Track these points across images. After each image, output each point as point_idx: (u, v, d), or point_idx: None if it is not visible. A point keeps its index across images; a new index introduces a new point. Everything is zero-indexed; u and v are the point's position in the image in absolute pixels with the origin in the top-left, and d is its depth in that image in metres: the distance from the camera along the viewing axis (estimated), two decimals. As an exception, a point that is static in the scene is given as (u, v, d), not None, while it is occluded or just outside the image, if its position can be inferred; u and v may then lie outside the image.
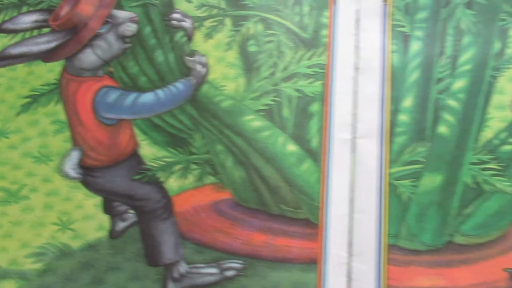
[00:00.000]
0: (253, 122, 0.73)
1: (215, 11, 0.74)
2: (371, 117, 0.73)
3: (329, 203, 0.72)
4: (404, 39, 0.75)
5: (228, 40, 0.75)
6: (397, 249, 0.72)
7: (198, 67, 0.72)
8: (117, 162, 0.71)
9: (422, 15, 0.75)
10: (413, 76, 0.74)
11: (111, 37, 0.72)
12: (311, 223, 0.72)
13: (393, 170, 0.73)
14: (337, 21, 0.74)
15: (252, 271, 0.70)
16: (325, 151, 0.72)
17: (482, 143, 0.73)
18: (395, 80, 0.74)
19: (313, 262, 0.71)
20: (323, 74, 0.73)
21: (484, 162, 0.73)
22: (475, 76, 0.74)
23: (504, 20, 0.74)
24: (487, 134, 0.73)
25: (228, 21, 0.75)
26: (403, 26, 0.75)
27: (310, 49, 0.74)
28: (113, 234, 0.71)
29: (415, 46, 0.75)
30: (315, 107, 0.73)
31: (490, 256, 0.73)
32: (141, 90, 0.72)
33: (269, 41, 0.75)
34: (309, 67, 0.73)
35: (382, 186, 0.72)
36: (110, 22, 0.72)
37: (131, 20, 0.72)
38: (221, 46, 0.74)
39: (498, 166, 0.73)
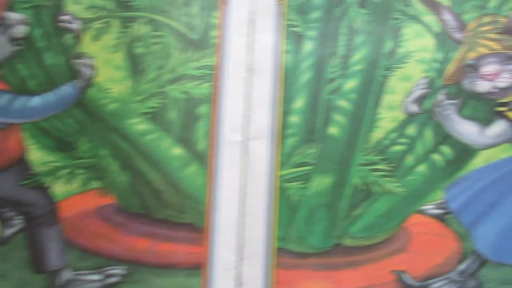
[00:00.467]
0: (138, 125, 0.73)
1: (103, 13, 0.73)
2: (262, 118, 0.73)
3: (217, 206, 0.72)
4: (297, 39, 0.75)
5: (115, 42, 0.74)
6: (285, 253, 0.73)
7: (85, 70, 0.72)
8: (3, 168, 0.71)
9: (315, 14, 0.75)
10: (305, 76, 0.74)
11: (1, 39, 0.71)
12: (196, 227, 0.72)
13: (283, 172, 0.73)
14: (229, 21, 0.74)
15: (136, 277, 0.71)
16: (213, 153, 0.72)
17: (372, 144, 0.73)
18: (287, 81, 0.74)
19: (198, 267, 0.71)
20: (212, 75, 0.72)
21: (373, 163, 0.73)
22: (366, 76, 0.74)
23: (397, 19, 0.74)
24: (377, 134, 0.73)
25: (116, 23, 0.74)
26: (296, 26, 0.74)
27: (198, 51, 0.74)
28: (1, 241, 0.71)
29: (308, 46, 0.74)
30: (203, 109, 0.73)
31: (377, 258, 0.73)
32: (31, 93, 0.72)
33: (156, 43, 0.74)
34: (197, 68, 0.73)
35: (272, 188, 0.72)
36: (1, 24, 0.71)
37: (22, 22, 0.71)
38: (108, 48, 0.73)
39: (388, 167, 0.73)
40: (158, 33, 0.75)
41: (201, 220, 0.72)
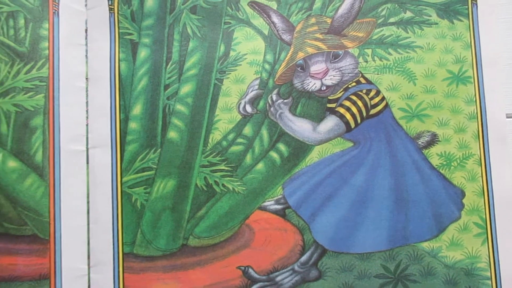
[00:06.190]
0: (-31, 140, 0.75)
1: None
2: (102, 127, 0.78)
3: (62, 216, 0.75)
4: (132, 46, 0.79)
5: None
6: (132, 257, 0.77)
7: None
8: None
9: (148, 22, 0.80)
10: (142, 83, 0.79)
11: None
12: (39, 238, 0.75)
13: (126, 178, 0.78)
14: (61, 32, 0.78)
15: (-23, 293, 0.73)
16: (52, 164, 0.76)
17: (211, 145, 0.79)
18: (124, 88, 0.78)
19: (44, 278, 0.74)
20: (46, 86, 0.76)
21: (214, 164, 0.79)
22: (201, 80, 0.80)
23: (228, 23, 0.80)
24: (216, 136, 0.79)
25: None
26: (131, 34, 0.79)
27: (28, 63, 0.77)
28: None
29: (143, 53, 0.79)
30: (37, 120, 0.76)
31: (223, 255, 0.79)
32: None
33: None
34: (27, 80, 0.76)
35: (116, 195, 0.77)
36: None
37: None
38: None
39: (228, 167, 0.79)
40: (-16, 46, 0.77)
41: (45, 231, 0.75)
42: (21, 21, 0.78)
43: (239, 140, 0.79)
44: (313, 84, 0.78)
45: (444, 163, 0.78)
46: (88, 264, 0.75)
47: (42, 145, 0.76)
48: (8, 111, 0.75)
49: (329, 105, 0.80)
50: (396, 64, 0.78)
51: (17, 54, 0.76)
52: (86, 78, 0.78)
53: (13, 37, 0.77)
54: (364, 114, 0.78)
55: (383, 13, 0.79)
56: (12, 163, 0.75)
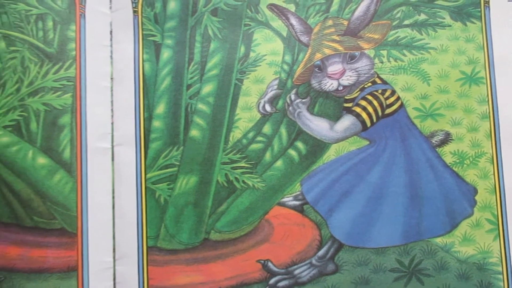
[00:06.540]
0: (1, 138, 0.78)
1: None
2: (127, 125, 0.81)
3: (88, 211, 0.79)
4: (155, 48, 0.83)
5: None
6: (156, 250, 0.80)
7: None
8: None
9: (171, 24, 0.83)
10: (165, 83, 0.82)
11: None
12: (67, 232, 0.78)
13: (149, 175, 0.81)
14: (87, 34, 0.81)
15: (9, 284, 0.77)
16: (80, 161, 0.79)
17: (232, 143, 0.82)
18: (148, 88, 0.82)
19: (72, 270, 0.78)
20: (73, 86, 0.80)
21: (234, 161, 0.82)
22: (222, 80, 0.83)
23: (248, 25, 0.83)
24: (236, 134, 0.82)
25: (-29, 40, 0.80)
26: (154, 36, 0.83)
27: (56, 63, 0.80)
28: None
29: (166, 54, 0.83)
30: (65, 119, 0.80)
31: (243, 249, 0.81)
32: None
33: (13, 58, 0.79)
34: (56, 80, 0.80)
35: (141, 191, 0.81)
36: None
37: None
38: (-34, 65, 0.79)
39: (248, 164, 0.82)
40: (14, 48, 0.81)
41: (73, 225, 0.78)
42: (50, 23, 0.81)
43: (259, 138, 0.82)
44: (330, 84, 0.81)
45: (457, 161, 0.81)
46: (114, 257, 0.78)
47: (70, 143, 0.79)
48: (38, 110, 0.78)
49: (345, 105, 0.83)
50: (410, 65, 0.81)
51: (46, 55, 0.80)
52: (111, 78, 0.80)
53: (42, 39, 0.80)
54: (380, 113, 0.81)
55: (398, 15, 0.82)
56: (42, 160, 0.78)
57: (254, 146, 0.82)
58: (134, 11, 0.81)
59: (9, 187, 0.78)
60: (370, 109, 0.80)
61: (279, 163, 0.82)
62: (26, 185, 0.78)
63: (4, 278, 0.75)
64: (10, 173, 0.78)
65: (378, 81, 0.82)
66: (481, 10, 0.83)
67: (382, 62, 0.82)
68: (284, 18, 0.83)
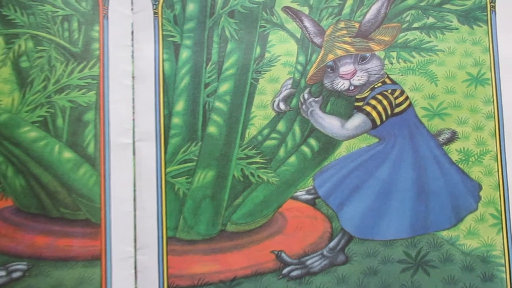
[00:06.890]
0: (29, 133, 0.82)
1: (-14, 31, 0.84)
2: (148, 121, 0.84)
3: (111, 203, 0.83)
4: (175, 48, 0.86)
5: (1, 58, 0.80)
6: (175, 241, 0.83)
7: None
8: None
9: (190, 25, 0.86)
10: (184, 82, 0.85)
11: None
12: (92, 223, 0.82)
13: (169, 169, 0.84)
14: (110, 34, 0.85)
15: (37, 271, 0.80)
16: (103, 155, 0.83)
17: (248, 140, 0.85)
18: (167, 86, 0.85)
19: (96, 259, 0.81)
20: (97, 84, 0.84)
21: (250, 157, 0.85)
22: (238, 79, 0.86)
23: (263, 27, 0.86)
24: (252, 131, 0.86)
25: (0, 40, 0.84)
26: (173, 36, 0.86)
27: (81, 62, 0.84)
28: None
29: (185, 54, 0.86)
30: (89, 115, 0.83)
31: (258, 240, 0.84)
32: None
33: (40, 57, 0.82)
34: (81, 78, 0.83)
35: (161, 184, 0.85)
36: None
37: None
38: (-5, 64, 0.82)
39: (263, 159, 0.86)
40: (41, 47, 0.85)
41: (97, 216, 0.82)
42: (75, 24, 0.84)
43: (273, 135, 0.85)
44: (342, 84, 0.85)
45: (463, 158, 0.84)
46: (135, 247, 0.81)
47: (94, 138, 0.82)
48: (64, 106, 0.82)
49: (356, 104, 0.86)
50: (419, 66, 0.85)
51: (71, 54, 0.83)
52: (133, 77, 0.84)
53: (68, 39, 0.83)
54: (389, 112, 0.84)
55: (408, 18, 0.86)
56: (68, 154, 0.82)
57: (268, 142, 0.85)
58: (155, 13, 0.84)
59: (37, 179, 0.82)
60: (380, 108, 0.83)
61: (292, 159, 0.85)
62: (53, 178, 0.82)
63: (33, 265, 0.78)
64: (37, 167, 0.81)
65: (388, 81, 0.85)
66: (487, 14, 0.86)
67: (391, 63, 0.85)
68: (298, 20, 0.86)
